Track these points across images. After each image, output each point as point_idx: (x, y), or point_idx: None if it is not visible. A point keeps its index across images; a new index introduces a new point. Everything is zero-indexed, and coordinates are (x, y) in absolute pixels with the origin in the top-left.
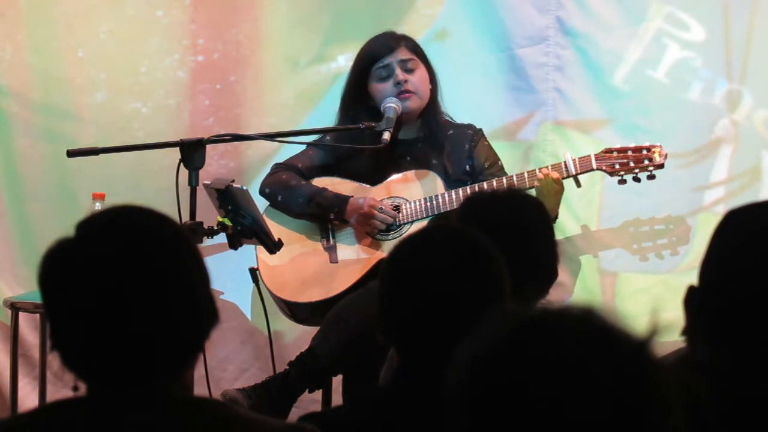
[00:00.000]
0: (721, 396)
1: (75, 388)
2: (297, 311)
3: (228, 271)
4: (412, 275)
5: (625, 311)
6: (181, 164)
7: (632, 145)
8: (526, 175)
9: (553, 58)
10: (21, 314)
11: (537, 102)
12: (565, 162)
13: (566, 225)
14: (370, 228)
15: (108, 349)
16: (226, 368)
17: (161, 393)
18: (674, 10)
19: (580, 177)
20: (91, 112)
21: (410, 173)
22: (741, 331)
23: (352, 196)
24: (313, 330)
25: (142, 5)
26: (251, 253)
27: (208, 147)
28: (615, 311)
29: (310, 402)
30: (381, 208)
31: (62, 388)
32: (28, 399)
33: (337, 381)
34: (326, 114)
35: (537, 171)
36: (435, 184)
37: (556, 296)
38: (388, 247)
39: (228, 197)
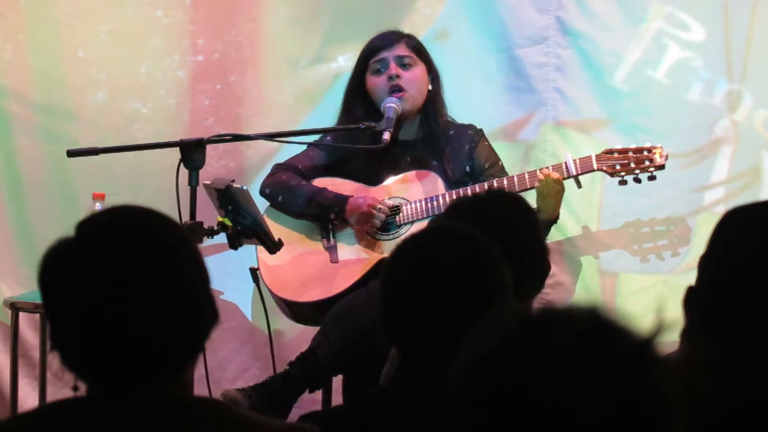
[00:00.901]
0: (723, 395)
1: (75, 388)
2: (297, 311)
3: (228, 271)
4: (414, 275)
5: (626, 311)
6: (181, 164)
7: (633, 145)
8: (526, 175)
9: (553, 58)
10: (21, 314)
11: (537, 102)
12: (565, 162)
13: (566, 225)
14: (370, 227)
15: (108, 349)
16: (226, 368)
17: (161, 393)
18: (674, 11)
19: (580, 177)
20: (91, 112)
21: (410, 174)
22: (741, 331)
23: (352, 196)
24: (313, 330)
25: (142, 5)
26: (251, 253)
27: (208, 147)
28: (616, 311)
29: (310, 402)
30: (381, 208)
31: (62, 388)
32: (28, 399)
33: (337, 381)
34: (326, 114)
35: (537, 171)
36: (435, 184)
37: (556, 296)
38: (388, 247)
39: (228, 197)
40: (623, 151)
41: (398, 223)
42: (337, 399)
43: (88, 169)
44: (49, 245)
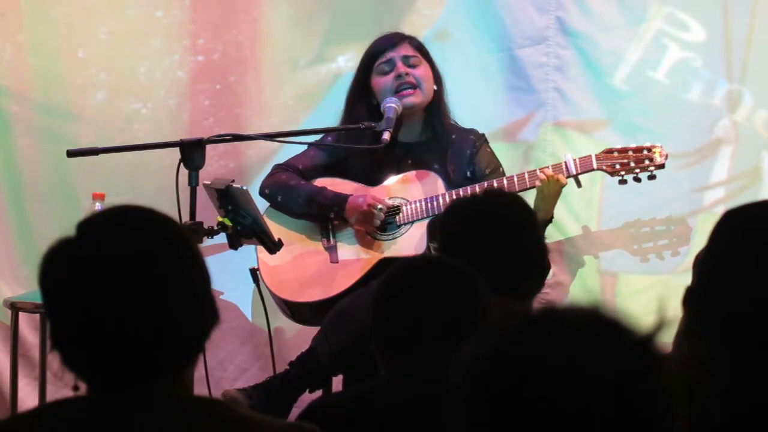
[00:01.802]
0: (725, 395)
1: (75, 388)
2: (297, 311)
3: (228, 271)
4: (401, 305)
5: (626, 311)
6: (181, 164)
7: (633, 145)
8: (526, 175)
9: (553, 58)
10: (21, 314)
11: (537, 102)
12: (565, 162)
13: (566, 225)
14: (369, 227)
15: (108, 349)
16: (226, 368)
17: (161, 393)
18: (674, 11)
19: (580, 177)
20: (91, 112)
21: (411, 174)
22: (741, 331)
23: (352, 195)
24: (313, 330)
25: (142, 5)
26: (251, 253)
27: (208, 147)
28: (616, 311)
29: (310, 402)
30: (381, 208)
31: (62, 388)
32: (28, 399)
33: (337, 381)
34: (326, 114)
35: (538, 171)
36: (436, 184)
37: (556, 296)
38: (388, 246)
39: (228, 197)
40: (623, 151)
41: (398, 223)
42: None
43: (88, 169)
44: (49, 245)
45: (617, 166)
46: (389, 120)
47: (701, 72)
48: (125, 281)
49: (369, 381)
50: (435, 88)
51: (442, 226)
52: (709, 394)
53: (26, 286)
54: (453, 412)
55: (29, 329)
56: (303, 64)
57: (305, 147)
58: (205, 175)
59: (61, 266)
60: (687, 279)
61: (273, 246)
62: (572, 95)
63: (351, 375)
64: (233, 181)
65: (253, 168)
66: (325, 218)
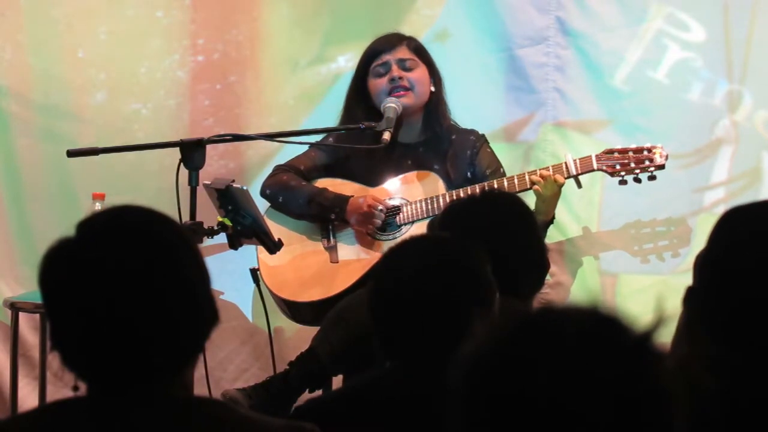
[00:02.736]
0: (723, 394)
1: (75, 388)
2: (297, 311)
3: (228, 271)
4: (399, 298)
5: (626, 312)
6: (181, 164)
7: (633, 145)
8: (526, 176)
9: (553, 58)
10: (21, 314)
11: (537, 102)
12: (566, 162)
13: (567, 226)
14: (370, 228)
15: (108, 349)
16: (226, 368)
17: (161, 393)
18: (674, 11)
19: (580, 177)
20: (91, 112)
21: (411, 174)
22: (741, 330)
23: (353, 196)
24: (313, 329)
25: (142, 6)
26: (251, 253)
27: (208, 147)
28: (616, 311)
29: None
30: (381, 208)
31: (62, 388)
32: (28, 399)
33: (337, 381)
34: (326, 114)
35: (537, 172)
36: (436, 185)
37: (556, 296)
38: (388, 246)
39: (228, 197)
40: (623, 151)
41: (398, 224)
42: None
43: (88, 169)
44: (49, 245)
45: (617, 167)
46: (389, 120)
47: (701, 72)
48: (125, 281)
49: (364, 376)
50: (432, 89)
51: (440, 226)
52: (709, 394)
53: (26, 286)
54: (452, 412)
55: (29, 329)
56: (303, 64)
57: (306, 147)
58: (205, 175)
59: (61, 266)
60: (687, 279)
61: (273, 246)
62: (572, 95)
63: (351, 375)
64: (233, 181)
65: (253, 168)
66: (326, 219)
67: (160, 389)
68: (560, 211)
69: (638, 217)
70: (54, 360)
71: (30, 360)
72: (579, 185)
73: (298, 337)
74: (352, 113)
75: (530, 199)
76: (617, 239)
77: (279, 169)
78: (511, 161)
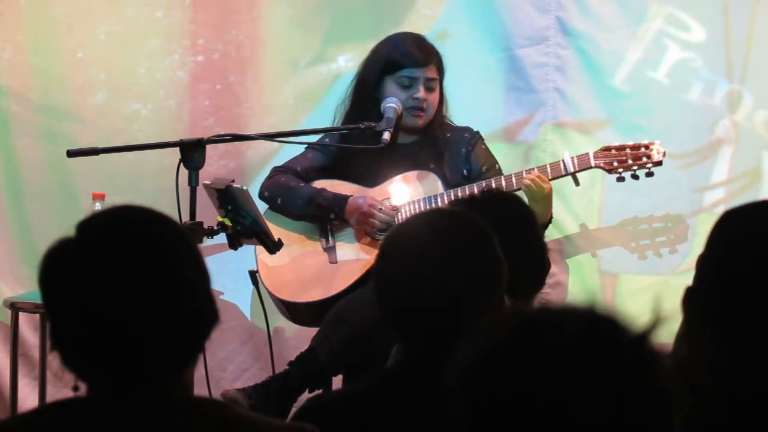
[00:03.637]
0: (724, 394)
1: (75, 388)
2: (297, 312)
3: (228, 271)
4: (407, 260)
5: (626, 312)
6: (181, 164)
7: (630, 142)
8: (524, 173)
9: (553, 58)
10: (21, 314)
11: (537, 102)
12: (563, 160)
13: (566, 224)
14: (369, 228)
15: (108, 349)
16: (226, 368)
17: (161, 393)
18: (674, 11)
19: (578, 175)
20: (91, 112)
21: (410, 174)
22: (741, 330)
23: (352, 196)
24: (313, 330)
25: (142, 6)
26: (251, 253)
27: (208, 147)
28: (615, 310)
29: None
30: (381, 208)
31: (62, 388)
32: (28, 399)
33: (337, 381)
34: (326, 114)
35: (524, 173)
36: (435, 185)
37: (556, 296)
38: None
39: (228, 197)
40: (621, 148)
41: (397, 223)
42: None
43: (88, 169)
44: (49, 245)
45: (615, 164)
46: (389, 120)
47: (701, 72)
48: (125, 281)
49: (366, 377)
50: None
51: None
52: (708, 394)
53: (26, 286)
54: (452, 412)
55: (29, 329)
56: (303, 64)
57: (304, 148)
58: (205, 175)
59: (61, 266)
60: (687, 279)
61: (273, 246)
62: (572, 95)
63: (351, 375)
64: (233, 181)
65: (253, 168)
66: (325, 219)
67: (160, 389)
68: (560, 211)
69: (636, 215)
70: (54, 360)
71: (30, 360)
72: (577, 183)
73: (298, 337)
74: (361, 113)
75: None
76: (615, 236)
77: (277, 171)
78: (511, 161)
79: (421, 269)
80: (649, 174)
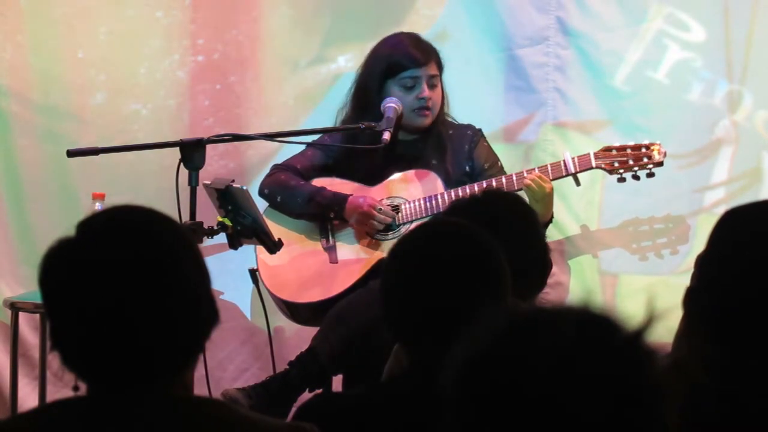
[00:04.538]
0: (723, 394)
1: (75, 388)
2: (297, 312)
3: (228, 271)
4: (414, 270)
5: (626, 311)
6: (181, 164)
7: (631, 143)
8: (525, 173)
9: (554, 58)
10: (21, 314)
11: (537, 102)
12: (564, 160)
13: (566, 225)
14: (369, 228)
15: (108, 349)
16: (226, 368)
17: (161, 393)
18: (674, 11)
19: (579, 175)
20: (91, 112)
21: (410, 173)
22: (741, 330)
23: (352, 195)
24: (313, 329)
25: (142, 6)
26: (251, 253)
27: (208, 147)
28: (615, 311)
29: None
30: (380, 209)
31: (62, 388)
32: (28, 399)
33: (337, 381)
34: (326, 114)
35: (524, 173)
36: (435, 184)
37: (556, 296)
38: (387, 246)
39: (228, 197)
40: (621, 149)
41: (397, 223)
42: None
43: (88, 169)
44: (49, 245)
45: (616, 164)
46: (389, 120)
47: (701, 72)
48: (125, 281)
49: (368, 383)
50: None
51: None
52: (706, 393)
53: (26, 286)
54: (446, 413)
55: (29, 329)
56: (303, 64)
57: (304, 147)
58: (205, 175)
59: (61, 266)
60: (687, 279)
61: (273, 246)
62: (572, 95)
63: (351, 375)
64: (233, 181)
65: (253, 168)
66: (325, 218)
67: (160, 389)
68: (560, 211)
69: (638, 216)
70: (54, 360)
71: (30, 360)
72: (577, 183)
73: (298, 337)
74: (364, 114)
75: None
76: (616, 237)
77: (277, 169)
78: (511, 161)
79: (427, 282)
80: (650, 174)
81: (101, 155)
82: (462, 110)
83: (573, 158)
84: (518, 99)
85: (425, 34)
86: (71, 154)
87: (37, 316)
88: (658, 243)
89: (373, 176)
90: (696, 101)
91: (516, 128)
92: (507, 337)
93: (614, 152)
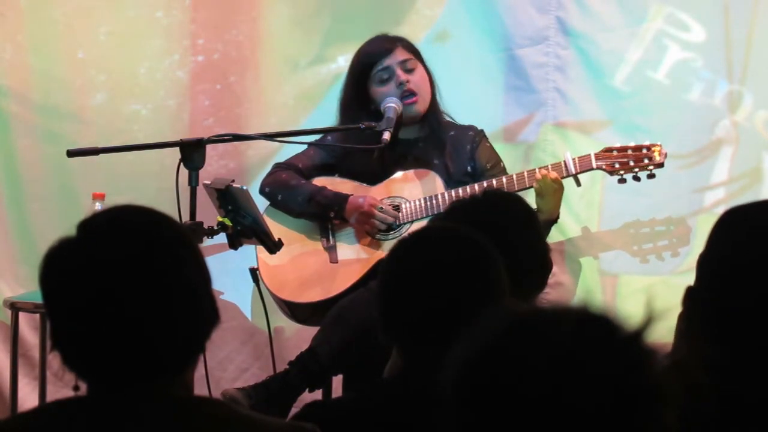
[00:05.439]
0: (723, 395)
1: (75, 388)
2: (297, 311)
3: (228, 271)
4: (411, 274)
5: (626, 312)
6: (181, 164)
7: (632, 144)
8: (525, 174)
9: (554, 58)
10: (21, 314)
11: (537, 102)
12: (564, 161)
13: (567, 226)
14: (370, 227)
15: (108, 349)
16: (226, 368)
17: (162, 393)
18: (674, 11)
19: (580, 176)
20: (91, 113)
21: (410, 173)
22: (741, 330)
23: (352, 195)
24: (313, 329)
25: (142, 6)
26: (251, 253)
27: (208, 147)
28: (615, 311)
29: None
30: (381, 208)
31: (62, 388)
32: (28, 399)
33: (337, 381)
34: (326, 114)
35: (536, 170)
36: (435, 183)
37: (556, 296)
38: (388, 246)
39: (228, 197)
40: (622, 150)
41: (397, 222)
42: None
43: (88, 169)
44: (49, 245)
45: (616, 165)
46: (389, 120)
47: (701, 72)
48: (125, 281)
49: (365, 384)
50: (430, 87)
51: None
52: (705, 393)
53: (26, 286)
54: (445, 413)
55: (29, 329)
56: (303, 64)
57: (305, 146)
58: (205, 175)
59: (61, 266)
60: (687, 279)
61: (273, 246)
62: (572, 95)
63: (351, 375)
64: (233, 181)
65: (253, 168)
66: (325, 217)
67: (160, 389)
68: (560, 211)
69: (638, 217)
70: (54, 360)
71: (30, 360)
72: (578, 184)
73: (298, 337)
74: (353, 120)
75: (531, 198)
76: (617, 239)
77: (278, 168)
78: (511, 161)
79: (425, 288)
80: (651, 176)
81: (101, 155)
82: (462, 110)
83: (574, 159)
84: (518, 99)
85: (425, 34)
86: (71, 154)
87: (37, 316)
88: (659, 245)
89: (373, 176)
90: (696, 101)
91: (516, 128)
92: (507, 337)
93: (615, 153)
